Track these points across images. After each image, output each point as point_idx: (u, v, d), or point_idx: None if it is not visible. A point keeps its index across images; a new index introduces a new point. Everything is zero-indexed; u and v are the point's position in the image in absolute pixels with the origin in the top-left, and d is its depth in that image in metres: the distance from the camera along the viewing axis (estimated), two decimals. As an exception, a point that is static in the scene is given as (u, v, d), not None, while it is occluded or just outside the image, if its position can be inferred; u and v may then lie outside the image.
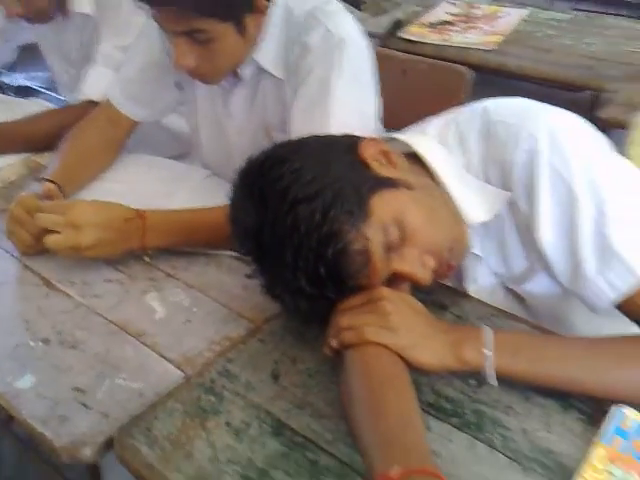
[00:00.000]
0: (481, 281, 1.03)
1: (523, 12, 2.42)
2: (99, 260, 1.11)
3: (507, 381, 0.84)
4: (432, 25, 2.32)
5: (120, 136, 1.41)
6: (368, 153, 0.90)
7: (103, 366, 0.93)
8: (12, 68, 2.66)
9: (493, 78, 2.10)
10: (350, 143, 0.92)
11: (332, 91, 1.16)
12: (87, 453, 0.81)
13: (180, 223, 1.14)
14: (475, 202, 0.94)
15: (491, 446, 0.79)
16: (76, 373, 0.92)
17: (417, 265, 0.87)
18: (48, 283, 1.09)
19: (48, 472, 1.09)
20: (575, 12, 2.61)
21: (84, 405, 0.87)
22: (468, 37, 2.19)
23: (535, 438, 0.80)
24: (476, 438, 0.80)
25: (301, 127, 1.16)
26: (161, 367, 0.93)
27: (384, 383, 0.78)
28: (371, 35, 2.22)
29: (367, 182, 0.86)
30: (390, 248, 0.85)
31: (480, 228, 0.97)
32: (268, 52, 1.22)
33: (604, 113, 1.59)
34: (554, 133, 0.88)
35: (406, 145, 0.99)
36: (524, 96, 0.98)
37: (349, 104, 1.17)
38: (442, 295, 1.02)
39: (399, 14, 2.35)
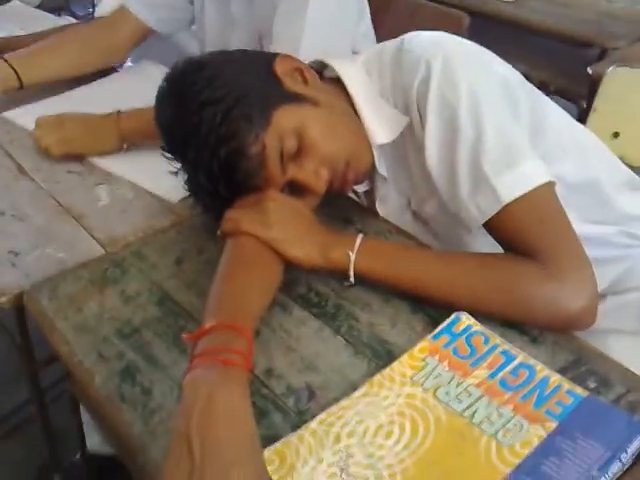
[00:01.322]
0: (391, 203, 1.11)
1: (560, -33, 2.38)
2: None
3: (376, 286, 0.93)
4: (462, -26, 2.32)
5: (119, 40, 1.47)
6: (282, 69, 0.99)
7: (40, 238, 1.08)
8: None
9: (509, 29, 2.11)
10: (268, 58, 1.01)
11: (309, 12, 1.21)
12: (3, 300, 0.96)
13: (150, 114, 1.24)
14: (380, 125, 1.01)
15: (337, 332, 0.89)
16: (16, 240, 1.07)
17: (312, 174, 0.96)
18: (21, 169, 1.24)
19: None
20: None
21: (13, 264, 1.02)
22: (492, -12, 2.19)
23: (378, 331, 0.89)
24: (326, 324, 0.90)
25: (276, 41, 1.23)
26: (88, 244, 1.07)
27: (240, 262, 0.89)
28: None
29: (274, 94, 0.96)
30: (287, 157, 0.95)
31: (388, 150, 1.05)
32: None
33: (593, 69, 1.60)
34: (448, 61, 0.94)
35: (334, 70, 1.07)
36: (531, 48, 1.03)
37: (325, 19, 1.23)
38: (351, 212, 1.11)
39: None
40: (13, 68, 1.34)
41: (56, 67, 1.41)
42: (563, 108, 1.15)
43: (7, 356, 1.81)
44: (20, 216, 1.12)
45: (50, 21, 1.85)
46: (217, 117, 0.90)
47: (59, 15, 2.10)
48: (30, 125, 1.28)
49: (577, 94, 1.87)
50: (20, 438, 1.67)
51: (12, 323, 1.10)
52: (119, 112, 1.24)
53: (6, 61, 1.34)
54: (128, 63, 1.69)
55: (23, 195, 1.17)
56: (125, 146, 1.25)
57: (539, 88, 1.84)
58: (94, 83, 1.51)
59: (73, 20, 1.97)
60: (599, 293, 1.09)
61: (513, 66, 1.08)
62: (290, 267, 0.93)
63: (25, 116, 1.35)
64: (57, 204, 1.15)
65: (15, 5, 1.94)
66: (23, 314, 1.02)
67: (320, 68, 1.09)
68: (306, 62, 1.06)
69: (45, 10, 2.03)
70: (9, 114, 1.38)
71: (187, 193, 1.00)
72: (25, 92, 1.41)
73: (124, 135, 1.23)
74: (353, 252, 0.91)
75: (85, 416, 1.22)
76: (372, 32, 1.45)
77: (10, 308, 0.97)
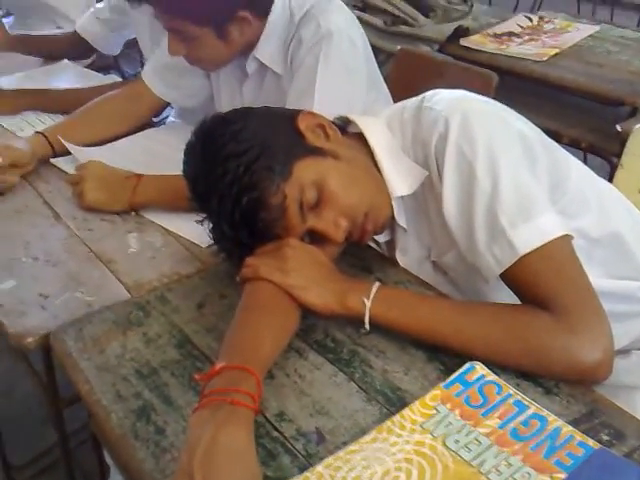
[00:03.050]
0: (410, 253, 1.12)
1: (594, 28, 2.41)
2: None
3: (392, 334, 0.94)
4: (496, 35, 2.37)
5: (141, 111, 1.58)
6: (304, 124, 1.03)
7: (70, 281, 1.12)
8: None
9: (541, 89, 2.14)
10: (292, 115, 1.05)
11: (318, 80, 1.28)
12: (30, 340, 1.00)
13: (170, 186, 1.27)
14: (400, 178, 1.04)
15: (350, 378, 0.89)
16: (47, 284, 1.11)
17: (331, 224, 0.99)
18: (57, 216, 1.30)
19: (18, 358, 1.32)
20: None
21: (42, 307, 1.06)
22: (525, 48, 2.23)
23: (391, 377, 0.89)
24: (341, 370, 0.91)
25: None
26: (115, 288, 1.10)
27: (256, 307, 0.91)
28: (430, 40, 2.34)
29: (296, 147, 1.00)
30: (307, 207, 0.98)
31: (408, 203, 1.07)
32: (268, 50, 1.36)
33: (622, 126, 1.60)
34: (466, 117, 0.97)
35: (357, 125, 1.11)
36: (562, 106, 1.07)
37: (334, 92, 1.29)
38: (372, 261, 1.13)
39: (466, 23, 2.42)
40: (48, 141, 1.44)
41: (86, 139, 1.51)
42: (595, 165, 1.16)
43: (38, 399, 1.86)
44: (53, 261, 1.17)
45: (98, 79, 1.94)
46: (240, 168, 0.94)
47: (108, 73, 2.19)
48: (71, 171, 1.37)
49: (609, 151, 1.87)
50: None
51: (40, 364, 1.13)
52: (140, 176, 1.30)
53: (42, 134, 1.45)
54: (170, 118, 1.77)
55: (57, 241, 1.22)
56: (133, 213, 1.30)
57: (570, 145, 1.87)
58: (135, 136, 1.59)
59: (118, 79, 2.07)
60: (623, 348, 1.08)
61: (543, 123, 1.10)
62: (307, 313, 0.95)
63: (70, 163, 1.43)
64: (89, 250, 1.20)
65: (64, 64, 2.04)
66: (49, 355, 1.05)
67: (343, 124, 1.13)
68: (330, 118, 1.10)
69: (95, 69, 2.14)
70: (55, 160, 1.46)
71: (211, 241, 1.04)
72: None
73: (136, 202, 1.29)
74: (369, 299, 0.93)
75: (109, 458, 1.23)
76: (387, 97, 1.50)
77: (37, 349, 1.01)
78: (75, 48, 2.07)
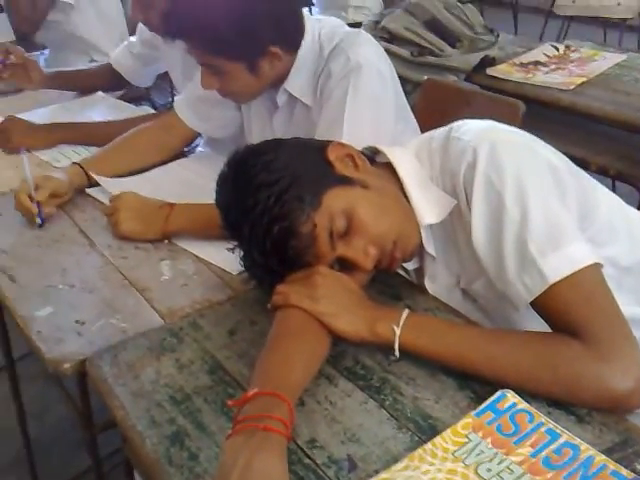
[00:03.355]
0: (440, 281, 1.13)
1: (620, 57, 2.42)
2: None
3: (422, 361, 0.95)
4: (522, 64, 2.39)
5: (174, 142, 1.63)
6: (334, 154, 1.05)
7: (105, 308, 1.14)
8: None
9: (568, 117, 2.15)
10: (322, 145, 1.07)
11: (347, 111, 1.30)
12: (67, 366, 1.02)
13: (202, 215, 1.29)
14: (429, 206, 1.06)
15: (381, 405, 0.90)
16: (83, 311, 1.14)
17: (360, 252, 1.01)
18: (92, 244, 1.33)
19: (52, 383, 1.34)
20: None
21: (79, 333, 1.08)
22: (551, 77, 2.24)
23: (422, 405, 0.90)
24: (371, 397, 0.91)
25: None
26: (149, 315, 1.12)
27: (287, 333, 0.93)
28: (456, 70, 2.36)
29: (326, 177, 1.02)
30: (337, 236, 1.00)
31: (437, 231, 1.08)
32: (298, 82, 1.40)
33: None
34: (494, 147, 0.98)
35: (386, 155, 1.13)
36: (589, 133, 1.08)
37: (363, 123, 1.31)
38: (401, 288, 1.14)
39: (492, 53, 2.44)
40: (84, 171, 1.49)
41: (120, 169, 1.55)
42: (624, 193, 1.17)
43: (72, 423, 1.89)
44: (89, 288, 1.19)
45: (130, 110, 2.00)
46: (271, 198, 0.96)
47: (139, 105, 2.25)
48: (106, 200, 1.40)
49: (637, 178, 1.87)
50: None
51: (74, 390, 1.16)
52: (172, 205, 1.33)
53: (78, 165, 1.49)
54: (199, 148, 1.80)
55: (93, 269, 1.25)
56: (166, 241, 1.33)
57: (598, 173, 1.87)
58: (167, 166, 1.62)
59: (151, 110, 2.12)
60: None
61: (571, 151, 1.10)
62: (337, 340, 0.96)
63: (105, 193, 1.46)
64: (123, 278, 1.22)
65: (98, 96, 2.10)
66: (85, 381, 1.07)
67: (372, 154, 1.15)
68: (359, 148, 1.12)
69: (127, 99, 2.20)
70: (91, 190, 1.50)
71: (242, 268, 1.06)
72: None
73: (169, 230, 1.32)
74: (398, 327, 0.94)
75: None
76: (415, 128, 1.51)
77: (73, 375, 1.03)
78: (108, 81, 2.13)
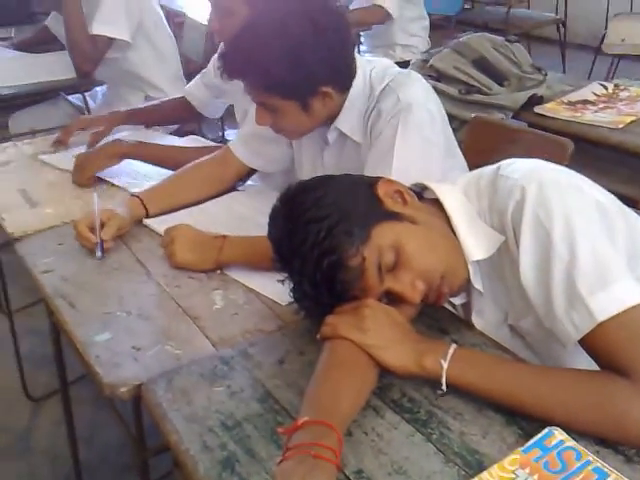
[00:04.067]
0: (487, 316, 1.14)
1: (671, 96, 2.41)
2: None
3: (469, 396, 0.96)
4: (570, 103, 2.39)
5: (228, 176, 1.68)
6: (383, 190, 1.09)
7: (160, 335, 1.19)
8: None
9: (616, 155, 2.14)
10: (371, 181, 1.11)
11: (396, 151, 1.34)
12: (123, 390, 1.06)
13: (253, 247, 1.34)
14: (476, 242, 1.07)
15: (428, 439, 0.91)
16: (139, 337, 1.18)
17: (408, 286, 1.03)
18: (149, 273, 1.38)
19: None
20: None
21: (135, 359, 1.12)
22: (600, 116, 2.24)
23: (469, 440, 0.91)
24: (418, 431, 0.93)
25: None
26: (201, 343, 1.16)
27: (336, 364, 0.95)
28: (504, 108, 2.38)
29: (375, 212, 1.05)
30: (385, 269, 1.02)
31: (485, 267, 1.10)
32: (349, 120, 1.44)
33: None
34: (543, 187, 1.00)
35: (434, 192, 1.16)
36: (637, 173, 1.09)
37: (411, 160, 1.35)
38: (448, 323, 1.15)
39: (540, 91, 2.46)
40: (143, 204, 1.55)
41: (177, 203, 1.61)
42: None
43: (119, 447, 1.94)
44: (145, 316, 1.24)
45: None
46: (321, 233, 0.99)
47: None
48: (162, 231, 1.46)
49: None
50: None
51: (127, 414, 1.20)
52: (225, 237, 1.38)
53: (138, 197, 1.56)
54: (249, 182, 1.86)
55: (149, 297, 1.30)
56: (219, 271, 1.37)
57: (647, 210, 1.82)
58: (220, 199, 1.68)
59: (202, 140, 2.19)
60: None
61: (620, 189, 1.11)
62: (385, 372, 0.98)
63: (162, 224, 1.51)
64: (177, 306, 1.27)
65: (147, 132, 2.18)
66: (139, 405, 1.11)
67: (420, 190, 1.18)
68: (407, 185, 1.15)
69: (180, 134, 2.28)
70: (148, 221, 1.55)
71: (292, 299, 1.09)
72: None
73: (222, 261, 1.37)
74: (446, 361, 0.95)
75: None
76: (463, 165, 1.54)
77: (128, 399, 1.07)
78: (180, 113, 2.19)
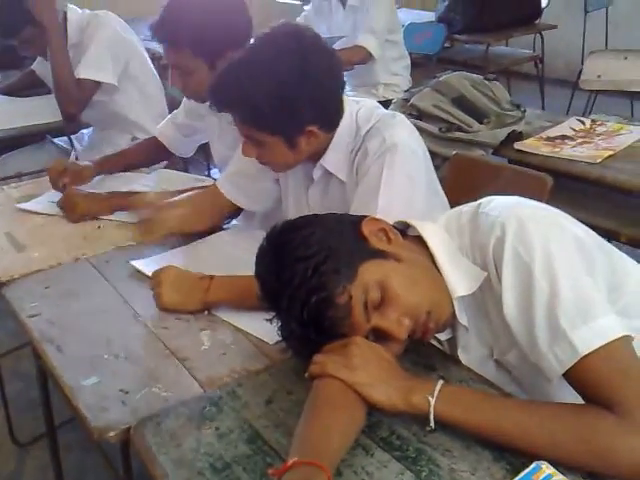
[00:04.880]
0: (473, 352, 1.16)
1: (647, 130, 2.46)
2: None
3: (457, 432, 0.97)
4: (549, 139, 2.44)
5: (217, 211, 1.70)
6: (368, 229, 1.10)
7: (148, 378, 1.19)
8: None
9: (596, 189, 2.19)
10: (356, 220, 1.12)
11: (382, 188, 1.37)
12: (111, 434, 1.06)
13: (239, 287, 1.35)
14: (459, 278, 1.09)
15: (417, 476, 0.92)
16: (127, 380, 1.18)
17: (394, 323, 1.04)
18: (136, 315, 1.38)
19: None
20: None
21: (123, 402, 1.12)
22: (578, 150, 2.29)
23: (458, 477, 0.91)
24: (408, 468, 0.93)
25: None
26: (189, 384, 1.17)
27: (325, 403, 0.96)
28: (484, 145, 2.43)
29: (360, 251, 1.06)
30: (372, 307, 1.03)
31: (469, 302, 1.12)
32: (334, 159, 1.47)
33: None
34: (522, 223, 1.02)
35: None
36: (616, 207, 1.12)
37: (397, 199, 1.37)
38: (434, 359, 1.16)
39: (519, 128, 2.51)
40: None
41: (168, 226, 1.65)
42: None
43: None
44: (132, 358, 1.24)
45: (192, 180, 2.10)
46: (308, 271, 1.01)
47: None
48: (149, 273, 1.46)
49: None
50: None
51: (115, 457, 1.19)
52: (212, 277, 1.38)
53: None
54: (233, 221, 1.88)
55: (136, 339, 1.31)
56: (206, 312, 1.38)
57: (628, 244, 1.88)
58: (206, 239, 1.69)
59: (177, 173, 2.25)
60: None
61: (601, 223, 1.13)
62: (373, 410, 0.99)
63: (149, 265, 1.53)
64: (165, 347, 1.27)
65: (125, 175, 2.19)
66: (127, 448, 1.11)
67: (404, 228, 1.20)
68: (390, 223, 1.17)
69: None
70: (135, 262, 1.56)
71: (280, 338, 1.09)
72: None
73: (209, 302, 1.38)
74: (433, 398, 0.96)
75: None
76: (444, 201, 1.57)
77: (116, 443, 1.07)
78: (152, 154, 2.21)
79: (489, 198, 1.14)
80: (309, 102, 1.35)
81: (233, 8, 1.72)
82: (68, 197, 1.83)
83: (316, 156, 1.48)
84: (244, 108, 1.36)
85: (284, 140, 1.39)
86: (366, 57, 3.24)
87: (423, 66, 4.16)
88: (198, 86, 1.73)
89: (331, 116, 1.44)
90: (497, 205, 1.09)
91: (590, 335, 0.94)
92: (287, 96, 1.33)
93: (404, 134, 1.43)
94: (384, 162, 1.38)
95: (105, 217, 1.82)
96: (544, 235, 1.01)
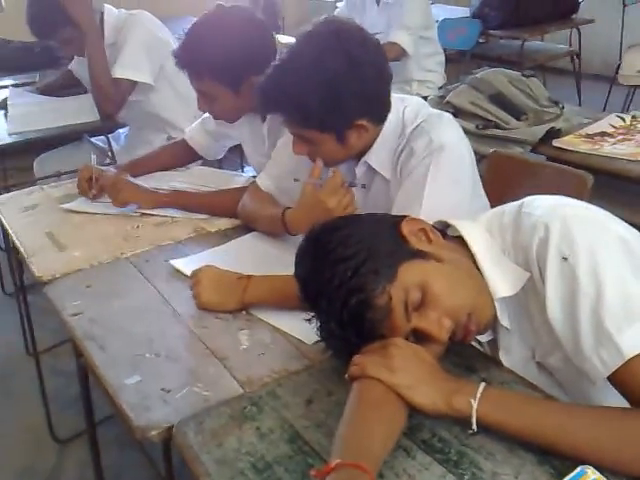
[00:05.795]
0: (514, 353, 1.14)
1: (689, 126, 2.41)
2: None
3: (499, 435, 0.96)
4: (589, 136, 2.40)
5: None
6: (408, 229, 1.10)
7: (189, 377, 1.20)
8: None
9: (636, 187, 2.15)
10: (395, 220, 1.12)
11: (427, 189, 1.36)
12: (154, 433, 1.07)
13: (277, 287, 1.36)
14: (502, 279, 1.08)
15: (460, 480, 0.91)
16: (168, 379, 1.19)
17: (435, 324, 1.04)
18: (176, 314, 1.40)
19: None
20: None
21: (165, 401, 1.13)
22: (618, 148, 2.25)
23: (501, 480, 0.90)
24: (450, 471, 0.93)
25: None
26: (229, 383, 1.17)
27: (365, 405, 0.95)
28: (522, 142, 2.40)
29: (400, 251, 1.06)
30: (412, 308, 1.03)
31: (511, 303, 1.10)
32: (379, 156, 1.47)
33: None
34: (565, 223, 1.01)
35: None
36: None
37: (441, 201, 1.36)
38: (475, 361, 1.15)
39: (558, 125, 2.47)
40: None
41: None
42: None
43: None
44: (173, 357, 1.25)
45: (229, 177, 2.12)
46: (348, 272, 1.01)
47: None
48: (188, 272, 1.48)
49: None
50: None
51: (155, 455, 1.20)
52: (250, 277, 1.39)
53: None
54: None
55: (177, 338, 1.32)
56: (244, 312, 1.39)
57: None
58: (244, 238, 1.70)
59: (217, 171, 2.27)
60: None
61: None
62: (414, 412, 0.98)
63: (188, 264, 1.54)
64: (205, 347, 1.28)
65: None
66: (169, 447, 1.12)
67: (444, 228, 1.19)
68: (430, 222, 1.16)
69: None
70: (174, 262, 1.57)
71: (319, 338, 1.09)
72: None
73: (247, 301, 1.38)
74: (475, 400, 0.95)
75: None
76: (485, 202, 1.56)
77: (159, 442, 1.08)
78: (182, 157, 2.22)
79: (532, 197, 1.12)
80: (356, 96, 1.35)
81: (254, 34, 1.70)
82: (114, 183, 1.85)
83: (361, 153, 1.48)
84: (292, 109, 1.37)
85: (334, 136, 1.39)
86: (400, 54, 3.23)
87: (457, 62, 4.13)
88: (224, 111, 1.79)
89: (379, 107, 1.44)
90: (540, 205, 1.08)
91: (636, 337, 0.93)
92: (334, 93, 1.33)
93: (452, 136, 1.42)
94: (430, 163, 1.37)
95: (146, 211, 1.84)
96: (588, 236, 1.00)
